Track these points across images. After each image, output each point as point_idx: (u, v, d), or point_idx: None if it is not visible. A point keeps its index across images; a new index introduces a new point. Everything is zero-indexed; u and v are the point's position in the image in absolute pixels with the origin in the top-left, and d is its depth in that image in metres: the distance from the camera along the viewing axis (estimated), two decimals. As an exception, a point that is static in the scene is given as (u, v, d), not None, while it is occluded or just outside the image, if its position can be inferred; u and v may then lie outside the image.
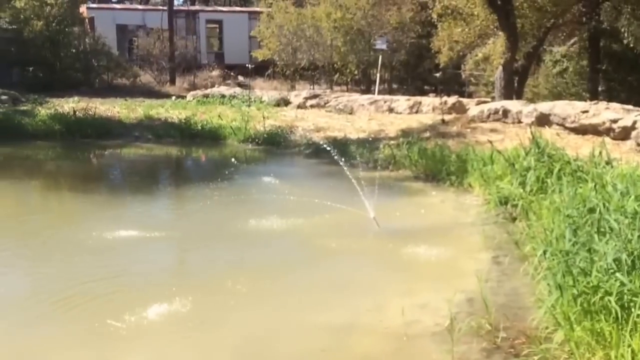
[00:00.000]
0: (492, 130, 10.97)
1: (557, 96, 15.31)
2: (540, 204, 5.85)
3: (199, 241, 6.25)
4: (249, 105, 15.65)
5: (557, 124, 10.32)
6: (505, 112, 11.59)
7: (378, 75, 19.39)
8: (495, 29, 15.18)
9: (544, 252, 4.52)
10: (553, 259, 4.26)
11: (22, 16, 21.22)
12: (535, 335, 3.78)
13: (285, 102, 16.48)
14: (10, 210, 7.94)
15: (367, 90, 21.14)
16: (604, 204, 4.64)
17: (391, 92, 20.93)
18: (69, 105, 15.02)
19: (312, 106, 15.80)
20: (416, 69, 22.86)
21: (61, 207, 8.32)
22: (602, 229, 4.26)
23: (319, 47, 23.00)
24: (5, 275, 5.32)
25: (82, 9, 25.18)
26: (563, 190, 5.66)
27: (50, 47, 21.31)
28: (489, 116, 11.84)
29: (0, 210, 8.07)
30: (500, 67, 14.10)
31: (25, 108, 15.33)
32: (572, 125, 10.01)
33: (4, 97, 16.28)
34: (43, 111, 14.45)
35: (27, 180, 9.63)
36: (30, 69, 21.21)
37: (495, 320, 4.00)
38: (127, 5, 35.86)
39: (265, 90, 19.67)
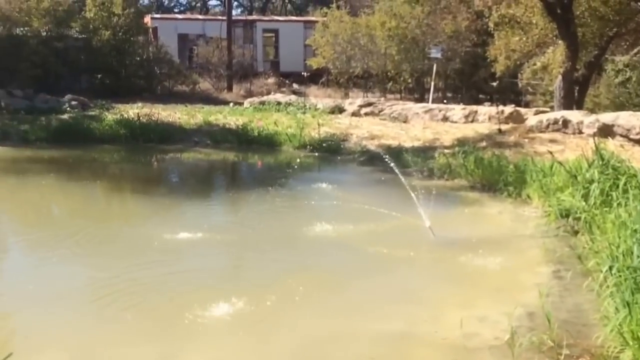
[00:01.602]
0: (552, 141, 10.63)
1: (619, 107, 14.68)
2: (605, 217, 5.60)
3: (255, 245, 6.29)
4: (304, 113, 15.72)
5: (621, 135, 9.91)
6: (566, 123, 11.22)
7: (432, 83, 19.16)
8: (554, 38, 14.74)
9: (610, 268, 4.32)
10: (620, 275, 4.06)
11: (91, 26, 22.06)
12: (600, 354, 3.62)
13: (340, 110, 16.46)
14: (76, 210, 8.24)
15: (421, 99, 20.92)
16: (674, 220, 4.40)
17: (445, 100, 20.62)
18: (134, 110, 15.43)
19: (366, 114, 15.73)
20: (471, 78, 22.46)
21: (123, 208, 8.57)
22: (674, 246, 4.04)
23: (373, 56, 22.93)
24: (70, 273, 5.49)
25: (147, 19, 25.99)
26: (629, 204, 5.40)
27: (117, 56, 22.04)
28: (548, 126, 11.48)
29: (67, 210, 8.41)
30: (560, 77, 13.67)
31: (93, 113, 15.87)
32: (637, 137, 9.60)
33: (73, 102, 16.93)
34: (109, 116, 14.91)
35: (93, 181, 9.95)
36: (98, 76, 21.98)
37: (557, 337, 3.84)
38: (189, 16, 36.74)
39: (319, 97, 19.74)
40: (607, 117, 10.52)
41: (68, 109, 16.11)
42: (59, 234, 6.75)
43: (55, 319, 4.44)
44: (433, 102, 17.57)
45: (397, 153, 10.47)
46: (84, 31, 22.19)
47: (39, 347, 4.01)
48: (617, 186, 6.15)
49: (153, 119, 14.50)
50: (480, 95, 22.62)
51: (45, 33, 21.10)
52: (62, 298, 4.79)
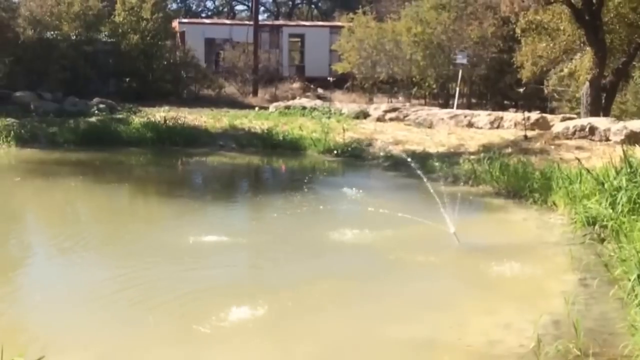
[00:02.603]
0: (578, 148, 10.51)
1: (647, 114, 14.49)
2: (633, 225, 5.53)
3: (277, 248, 6.33)
4: (329, 117, 15.75)
5: (649, 143, 9.77)
6: (592, 130, 11.09)
7: (457, 89, 19.06)
8: (582, 44, 14.56)
9: (638, 277, 4.27)
10: (648, 285, 4.02)
11: (120, 30, 22.38)
12: (627, 364, 3.58)
13: (365, 115, 16.47)
14: (101, 211, 8.37)
15: (445, 104, 20.81)
16: None
17: (470, 106, 20.48)
18: (160, 114, 15.60)
19: (390, 119, 15.72)
20: (496, 84, 22.27)
21: (148, 210, 8.68)
22: None
23: (398, 61, 22.89)
24: (93, 274, 5.53)
25: (175, 23, 26.31)
26: (658, 213, 5.33)
27: (144, 60, 22.30)
28: (574, 133, 11.35)
29: (92, 212, 8.55)
30: (587, 83, 13.51)
31: (120, 116, 16.09)
32: (666, 145, 9.45)
33: (101, 105, 17.18)
34: (136, 119, 15.09)
35: (120, 184, 10.07)
36: (126, 79, 22.27)
37: (584, 345, 3.82)
38: (216, 20, 37.12)
39: (344, 102, 19.75)
40: (635, 125, 10.38)
41: (96, 112, 16.37)
42: (85, 236, 6.87)
43: (82, 320, 4.51)
44: (458, 107, 17.47)
45: (421, 158, 10.44)
46: (113, 35, 22.51)
47: (67, 346, 4.08)
48: (646, 194, 6.07)
49: (179, 122, 14.65)
50: (506, 102, 22.42)
51: (75, 37, 21.45)
52: (89, 300, 4.85)
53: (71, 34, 21.39)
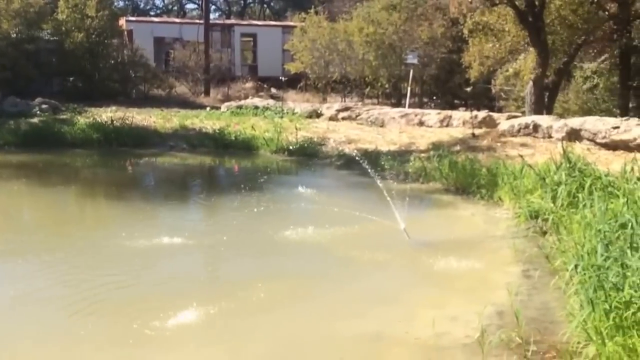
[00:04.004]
0: (523, 145, 10.87)
1: (587, 112, 15.08)
2: (571, 218, 5.79)
3: (228, 249, 6.31)
4: (282, 117, 15.79)
5: (588, 140, 10.20)
6: (536, 127, 11.49)
7: (409, 89, 19.38)
8: (526, 45, 15.07)
9: (575, 267, 4.48)
10: (585, 274, 4.22)
11: (63, 28, 21.76)
12: (566, 350, 3.75)
13: (317, 114, 16.57)
14: (46, 216, 8.16)
15: (398, 104, 21.14)
16: (636, 220, 4.58)
17: (421, 105, 20.89)
18: (107, 114, 15.28)
19: (343, 118, 15.87)
20: (446, 84, 22.77)
21: (96, 213, 8.51)
22: (635, 245, 4.22)
23: (351, 61, 23.10)
24: (38, 279, 5.39)
25: (121, 21, 25.77)
26: (594, 205, 5.59)
27: (90, 58, 21.78)
28: (519, 131, 11.74)
29: (37, 216, 8.32)
30: (531, 83, 13.99)
31: (64, 117, 15.69)
32: (603, 141, 9.88)
33: (44, 106, 16.70)
34: (82, 120, 14.75)
35: (63, 186, 9.84)
36: (71, 79, 21.69)
37: (525, 334, 3.98)
38: (165, 19, 36.55)
39: (297, 102, 19.81)
40: (575, 122, 10.81)
41: (38, 112, 15.90)
42: (28, 240, 6.68)
43: (25, 327, 4.41)
44: (409, 107, 17.78)
45: (373, 157, 10.61)
46: (56, 33, 21.87)
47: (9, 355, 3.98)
48: (583, 188, 6.36)
49: (127, 122, 14.39)
50: (456, 101, 22.95)
51: (15, 35, 20.76)
52: (29, 305, 4.75)
53: (11, 32, 20.66)
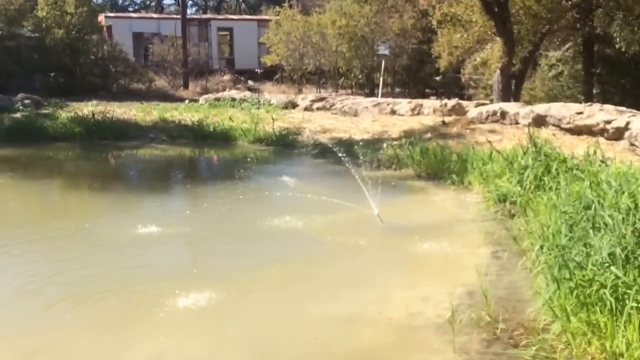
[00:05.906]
0: (491, 131, 10.89)
1: (553, 99, 15.17)
2: (538, 201, 5.79)
3: (210, 237, 6.24)
4: (258, 108, 15.63)
5: (553, 125, 10.24)
6: (503, 114, 11.52)
7: (381, 79, 19.34)
8: (492, 35, 15.10)
9: (541, 247, 4.48)
10: (550, 254, 4.22)
11: (43, 25, 21.33)
12: (533, 327, 3.75)
13: (293, 105, 16.44)
14: (31, 208, 7.97)
15: (371, 94, 21.10)
16: (598, 201, 4.58)
17: (394, 95, 20.88)
18: (88, 108, 15.04)
19: (318, 109, 15.76)
20: (418, 73, 22.79)
21: (80, 205, 8.33)
22: (597, 225, 4.22)
23: (325, 53, 22.99)
24: (26, 270, 5.28)
25: (101, 17, 25.29)
26: (560, 188, 5.60)
27: (70, 54, 21.40)
28: (487, 118, 11.76)
29: (22, 209, 8.12)
30: (498, 71, 14.02)
31: (46, 111, 15.36)
32: (568, 126, 9.93)
33: (26, 101, 16.31)
34: (63, 114, 14.49)
35: (48, 179, 9.64)
36: (52, 74, 21.27)
37: (494, 312, 3.97)
38: (143, 14, 35.94)
39: (273, 93, 19.66)
40: (540, 108, 10.84)
41: (21, 107, 15.50)
42: (16, 232, 6.52)
43: (11, 316, 4.30)
44: (382, 96, 17.74)
45: (347, 145, 10.54)
46: (37, 30, 21.41)
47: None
48: (549, 171, 6.37)
49: (108, 116, 14.15)
50: (427, 90, 22.99)
51: (-5, 32, 20.27)
52: (17, 295, 4.64)
53: (-9, 29, 20.16)
